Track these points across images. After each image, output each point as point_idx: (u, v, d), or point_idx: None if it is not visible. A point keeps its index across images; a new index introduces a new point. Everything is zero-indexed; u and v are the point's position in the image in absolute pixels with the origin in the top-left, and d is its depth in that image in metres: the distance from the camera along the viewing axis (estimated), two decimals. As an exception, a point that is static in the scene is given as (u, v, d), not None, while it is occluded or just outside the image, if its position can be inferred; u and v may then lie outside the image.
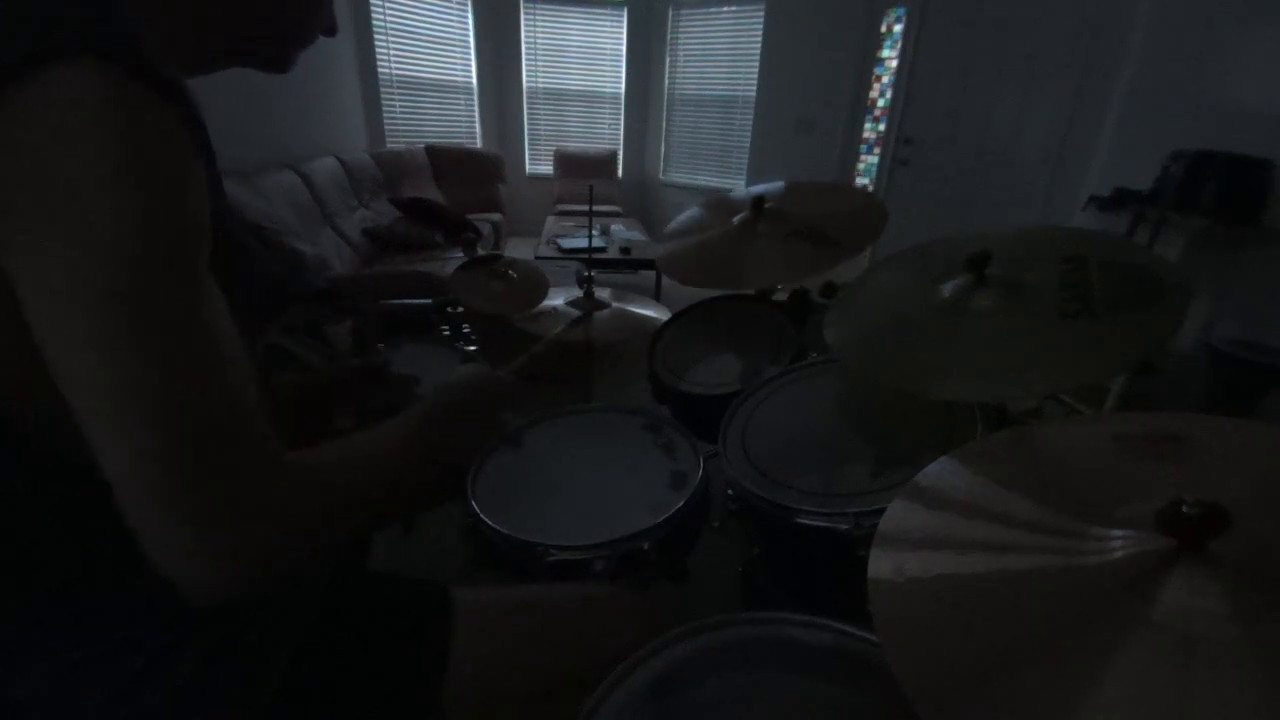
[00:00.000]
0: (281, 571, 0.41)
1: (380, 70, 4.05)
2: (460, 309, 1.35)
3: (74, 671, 0.47)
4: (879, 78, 3.93)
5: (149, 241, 0.35)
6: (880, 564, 0.44)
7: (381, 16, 3.96)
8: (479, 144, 4.92)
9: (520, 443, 0.96)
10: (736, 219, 1.12)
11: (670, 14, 4.75)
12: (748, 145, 4.67)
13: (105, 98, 0.34)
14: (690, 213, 1.27)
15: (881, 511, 0.50)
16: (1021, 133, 3.38)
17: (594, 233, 3.42)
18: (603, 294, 1.39)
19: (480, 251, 1.68)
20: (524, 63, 4.89)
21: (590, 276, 1.36)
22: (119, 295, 0.34)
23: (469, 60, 4.71)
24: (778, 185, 1.23)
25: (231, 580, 0.38)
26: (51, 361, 0.35)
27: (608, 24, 4.90)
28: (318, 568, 0.62)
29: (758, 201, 1.09)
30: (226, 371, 0.38)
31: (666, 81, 4.97)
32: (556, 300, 1.38)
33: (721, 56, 4.68)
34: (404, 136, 4.34)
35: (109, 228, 0.34)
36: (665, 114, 5.08)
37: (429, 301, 1.40)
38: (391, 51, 4.10)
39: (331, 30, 0.54)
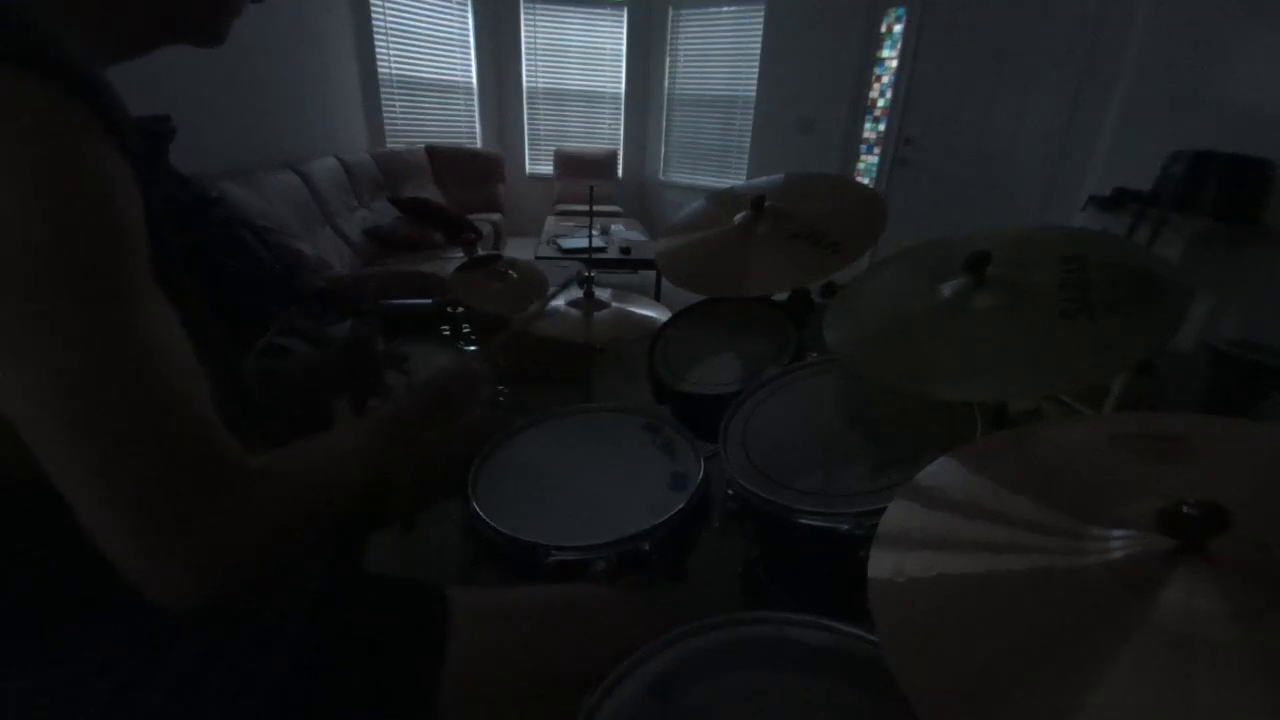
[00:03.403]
0: (247, 576, 0.40)
1: (380, 70, 4.05)
2: (460, 309, 1.35)
3: (69, 682, 0.47)
4: (879, 78, 3.93)
5: (62, 248, 0.34)
6: (880, 564, 0.44)
7: (381, 16, 3.96)
8: (479, 144, 4.91)
9: (520, 442, 0.96)
10: (737, 218, 1.12)
11: (670, 14, 4.75)
12: (748, 145, 4.67)
13: (5, 100, 0.33)
14: (694, 206, 1.27)
15: (881, 511, 0.50)
16: (1021, 132, 3.38)
17: (594, 233, 3.42)
18: (603, 294, 1.39)
19: (480, 251, 1.68)
20: (524, 63, 4.89)
21: (590, 276, 1.36)
22: (30, 301, 0.33)
23: (469, 60, 4.71)
24: (776, 178, 1.22)
25: (191, 587, 0.37)
26: None
27: (608, 24, 4.90)
28: (315, 567, 0.62)
29: (757, 201, 1.09)
30: (168, 378, 0.37)
31: (666, 81, 4.97)
32: (557, 300, 1.38)
33: (721, 56, 4.67)
34: (404, 136, 4.34)
35: (16, 240, 0.33)
36: (665, 114, 5.08)
37: (429, 301, 1.40)
38: (391, 51, 4.10)
39: None
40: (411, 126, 4.41)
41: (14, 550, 0.43)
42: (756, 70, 4.43)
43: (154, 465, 0.36)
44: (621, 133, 5.24)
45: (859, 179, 4.14)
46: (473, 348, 1.31)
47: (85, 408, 0.34)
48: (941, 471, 0.53)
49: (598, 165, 4.96)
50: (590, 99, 5.14)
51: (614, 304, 1.39)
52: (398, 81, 4.22)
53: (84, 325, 0.34)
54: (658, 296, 3.20)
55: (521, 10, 4.73)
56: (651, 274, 3.41)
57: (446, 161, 4.34)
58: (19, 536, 0.43)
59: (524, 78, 4.94)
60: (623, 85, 5.08)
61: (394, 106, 4.24)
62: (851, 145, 4.13)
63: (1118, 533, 0.40)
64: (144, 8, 0.45)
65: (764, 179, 1.25)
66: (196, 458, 0.38)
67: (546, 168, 5.10)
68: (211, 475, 0.38)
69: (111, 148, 0.37)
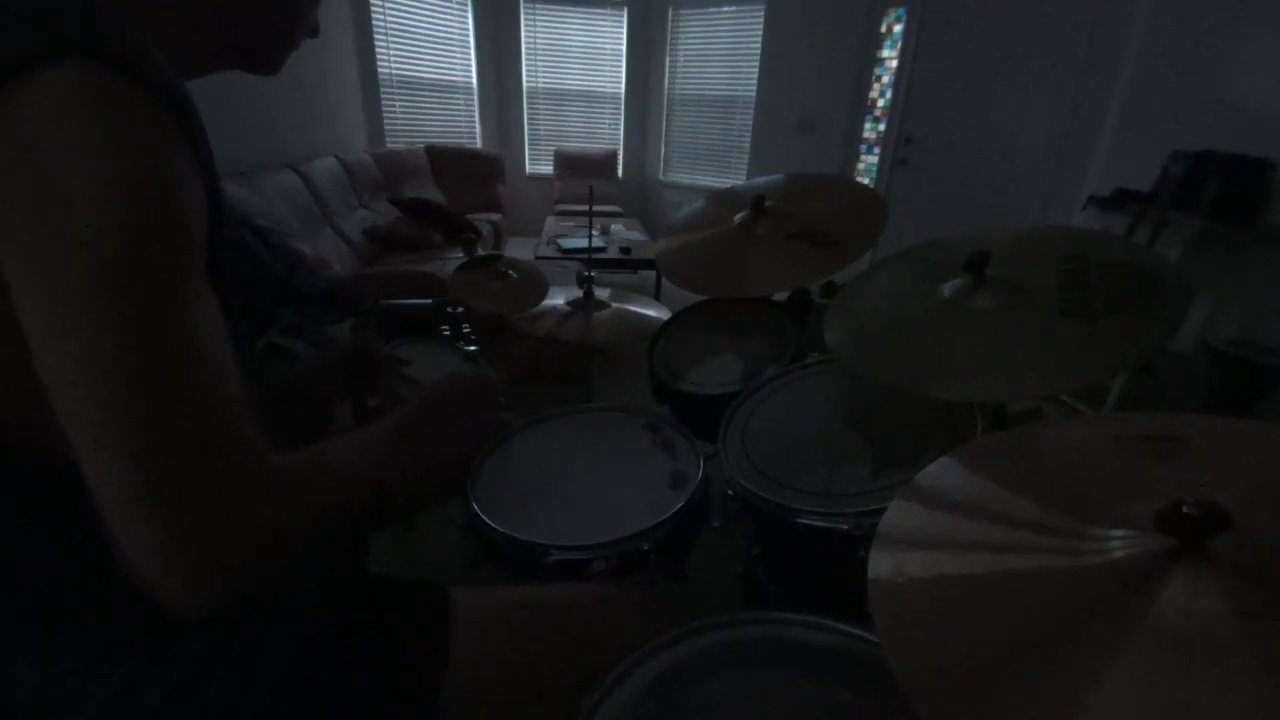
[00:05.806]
0: (252, 580, 0.40)
1: (380, 70, 4.05)
2: (460, 309, 1.35)
3: (69, 678, 0.47)
4: (879, 78, 3.93)
5: (132, 237, 0.35)
6: (880, 564, 0.44)
7: (381, 16, 3.96)
8: (479, 144, 4.91)
9: (520, 442, 0.95)
10: (737, 218, 1.12)
11: (670, 14, 4.75)
12: (748, 145, 4.67)
13: (94, 97, 0.34)
14: (694, 206, 1.27)
15: (881, 511, 0.50)
16: (1021, 132, 3.38)
17: (594, 233, 3.42)
18: (603, 294, 1.39)
19: (480, 251, 1.68)
20: (524, 63, 4.89)
21: (590, 276, 1.36)
22: (98, 288, 0.34)
23: (469, 60, 4.71)
24: (776, 178, 1.22)
25: (206, 591, 0.37)
26: (36, 357, 0.35)
27: (608, 24, 4.90)
28: (317, 567, 0.62)
29: (757, 201, 1.09)
30: (209, 376, 0.37)
31: (666, 81, 4.97)
32: (557, 300, 1.38)
33: (721, 56, 4.68)
34: (404, 136, 4.34)
35: (92, 223, 0.34)
36: (665, 114, 5.08)
37: (429, 301, 1.40)
38: (391, 51, 4.10)
39: (314, 31, 0.55)
40: (411, 126, 4.42)
41: (19, 546, 0.43)
42: (756, 70, 4.43)
43: (190, 462, 0.36)
44: (621, 133, 5.25)
45: (859, 179, 4.14)
46: (473, 347, 1.31)
47: (124, 393, 0.35)
48: (941, 471, 0.53)
49: (598, 165, 4.96)
50: (590, 99, 5.14)
51: (614, 304, 1.39)
52: (398, 81, 4.22)
53: (135, 314, 0.35)
54: (658, 296, 3.20)
55: (521, 10, 4.74)
56: (651, 274, 3.41)
57: (446, 161, 4.34)
58: (26, 533, 0.43)
59: (524, 78, 4.94)
60: (623, 85, 5.08)
61: (394, 106, 4.25)
62: (851, 145, 4.13)
63: (1118, 533, 0.40)
64: (215, 33, 0.48)
65: (764, 179, 1.25)
66: (230, 458, 0.38)
67: (546, 168, 5.11)
68: (241, 476, 0.38)
69: (188, 153, 0.39)
